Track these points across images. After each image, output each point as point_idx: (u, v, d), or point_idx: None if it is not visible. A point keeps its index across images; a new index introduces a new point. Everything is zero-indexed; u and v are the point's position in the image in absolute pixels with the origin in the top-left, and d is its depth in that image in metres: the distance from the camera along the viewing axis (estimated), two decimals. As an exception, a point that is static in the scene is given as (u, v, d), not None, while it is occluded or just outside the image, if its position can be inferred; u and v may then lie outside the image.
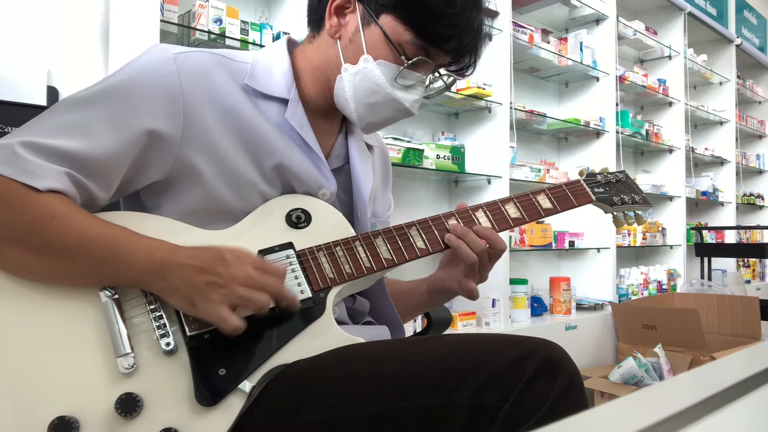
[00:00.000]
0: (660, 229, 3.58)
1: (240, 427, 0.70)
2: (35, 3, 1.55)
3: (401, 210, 2.37)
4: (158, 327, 0.72)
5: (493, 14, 2.47)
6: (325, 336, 0.77)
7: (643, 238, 3.41)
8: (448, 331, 1.18)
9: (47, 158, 0.71)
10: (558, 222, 2.80)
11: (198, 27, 1.70)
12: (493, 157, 2.54)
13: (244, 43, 1.79)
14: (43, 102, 1.45)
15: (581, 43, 2.96)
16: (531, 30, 2.69)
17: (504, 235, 2.15)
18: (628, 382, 2.36)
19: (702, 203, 4.29)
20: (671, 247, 3.74)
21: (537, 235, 2.68)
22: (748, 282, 4.31)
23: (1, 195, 0.69)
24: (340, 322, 0.82)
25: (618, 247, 3.16)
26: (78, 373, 0.68)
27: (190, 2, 1.73)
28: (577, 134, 3.20)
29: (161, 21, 1.61)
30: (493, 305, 2.41)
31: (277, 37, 1.88)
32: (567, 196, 0.98)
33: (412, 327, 1.94)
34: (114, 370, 0.69)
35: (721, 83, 4.47)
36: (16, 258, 0.70)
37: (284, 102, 0.87)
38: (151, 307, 0.73)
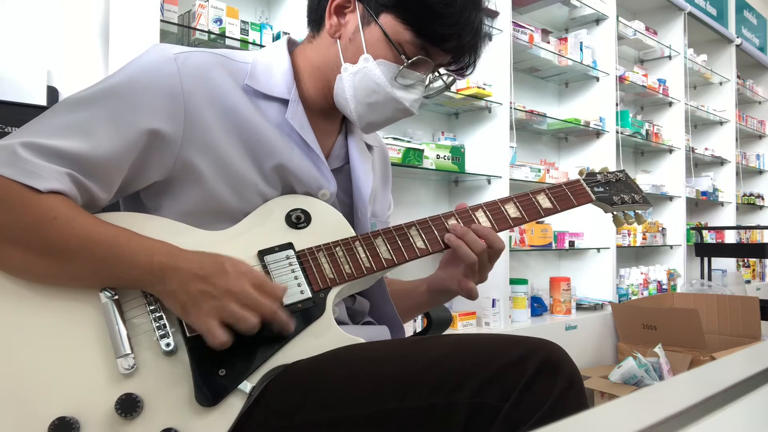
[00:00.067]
0: (660, 229, 3.58)
1: (240, 428, 0.70)
2: (35, 3, 1.55)
3: (401, 210, 2.37)
4: (158, 328, 0.72)
5: (493, 14, 2.47)
6: (325, 336, 0.77)
7: (643, 238, 3.41)
8: (448, 331, 1.18)
9: (48, 159, 0.71)
10: (558, 222, 2.80)
11: (198, 27, 1.70)
12: (493, 157, 2.53)
13: (244, 43, 1.79)
14: (43, 102, 1.45)
15: (581, 43, 2.96)
16: (531, 30, 2.69)
17: (504, 235, 2.15)
18: (628, 382, 2.36)
19: (702, 203, 4.29)
20: (671, 247, 3.74)
21: (537, 235, 2.68)
22: (748, 282, 4.31)
23: (2, 196, 0.69)
24: (340, 323, 0.82)
25: (618, 247, 3.16)
26: (78, 373, 0.68)
27: (190, 2, 1.73)
28: (577, 134, 3.20)
29: (161, 21, 1.61)
30: (493, 305, 2.41)
31: (277, 37, 1.88)
32: (567, 196, 0.98)
33: (412, 327, 1.94)
34: (114, 370, 0.69)
35: (721, 83, 4.47)
36: (17, 259, 0.70)
37: (284, 102, 0.87)
38: (151, 307, 0.73)
